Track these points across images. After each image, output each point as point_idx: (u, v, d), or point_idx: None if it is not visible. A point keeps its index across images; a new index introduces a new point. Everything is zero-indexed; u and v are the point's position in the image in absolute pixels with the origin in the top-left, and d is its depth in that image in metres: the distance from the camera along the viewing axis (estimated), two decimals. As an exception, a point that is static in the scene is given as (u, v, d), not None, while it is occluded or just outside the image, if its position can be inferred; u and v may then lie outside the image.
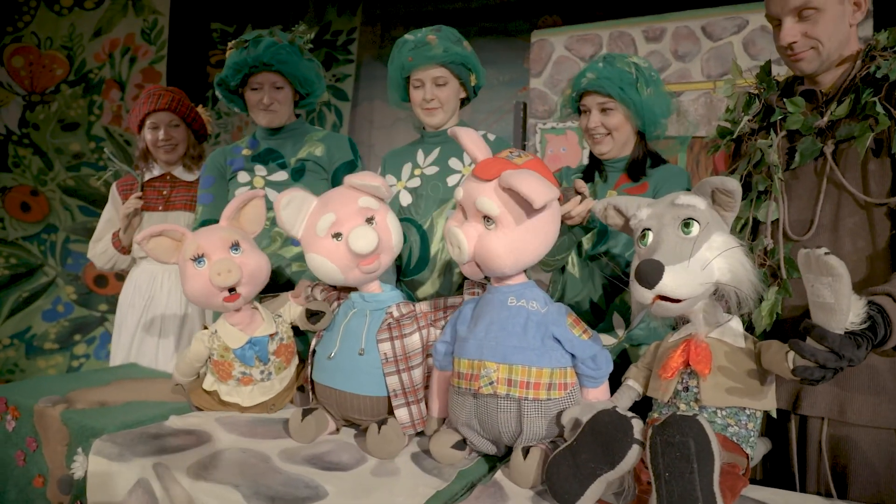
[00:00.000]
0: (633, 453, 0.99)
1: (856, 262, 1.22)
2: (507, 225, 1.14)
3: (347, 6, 4.86)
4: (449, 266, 1.76)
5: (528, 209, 1.14)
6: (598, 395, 1.23)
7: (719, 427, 1.09)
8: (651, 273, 1.02)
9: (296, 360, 1.57)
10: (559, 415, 1.18)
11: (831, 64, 1.28)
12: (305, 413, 1.35)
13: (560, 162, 2.85)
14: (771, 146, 1.34)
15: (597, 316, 1.59)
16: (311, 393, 1.47)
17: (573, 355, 1.20)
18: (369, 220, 1.33)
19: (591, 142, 1.67)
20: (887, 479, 1.19)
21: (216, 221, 1.55)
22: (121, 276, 3.77)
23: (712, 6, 2.64)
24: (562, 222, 1.29)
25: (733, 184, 1.06)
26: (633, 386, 1.24)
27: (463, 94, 1.82)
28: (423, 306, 1.40)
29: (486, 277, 1.42)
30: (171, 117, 2.26)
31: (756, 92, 1.45)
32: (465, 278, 1.76)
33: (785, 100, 1.35)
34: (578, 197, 1.36)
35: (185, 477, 1.14)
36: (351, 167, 1.90)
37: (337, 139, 1.95)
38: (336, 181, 1.89)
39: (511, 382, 1.17)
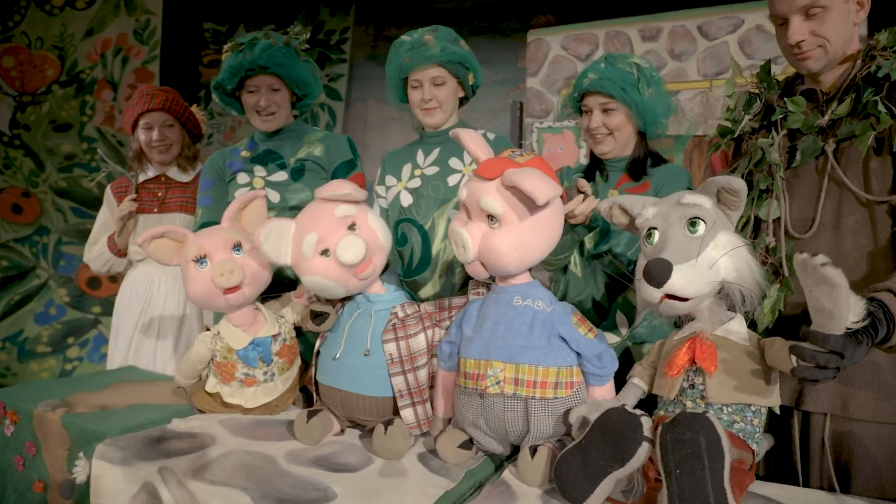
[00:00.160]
0: (643, 451, 0.99)
1: (857, 260, 1.23)
2: (511, 223, 1.14)
3: (340, 6, 4.85)
4: (450, 266, 1.76)
5: (532, 207, 1.14)
6: (604, 394, 1.24)
7: (725, 423, 1.09)
8: (660, 272, 1.02)
9: (298, 361, 1.57)
10: (566, 413, 1.19)
11: (836, 62, 1.29)
12: (311, 414, 1.34)
13: (557, 161, 2.85)
14: (772, 145, 1.35)
15: (599, 315, 1.59)
16: (315, 394, 1.46)
17: (579, 354, 1.21)
18: (351, 228, 1.33)
19: (593, 142, 1.68)
20: (890, 473, 1.20)
21: (216, 224, 1.55)
22: (114, 279, 3.76)
23: (708, 6, 2.65)
24: (564, 221, 1.29)
25: (739, 183, 1.07)
26: (638, 384, 1.25)
27: (461, 94, 1.82)
28: (427, 307, 1.40)
29: (490, 277, 1.43)
30: (165, 117, 2.24)
31: (756, 91, 1.46)
32: (467, 279, 1.77)
33: (786, 99, 1.35)
34: (581, 196, 1.36)
35: (191, 480, 1.14)
36: (350, 167, 1.89)
37: (336, 139, 1.95)
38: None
39: (518, 382, 1.17)
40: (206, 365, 1.49)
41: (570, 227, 1.41)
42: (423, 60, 1.71)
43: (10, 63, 3.70)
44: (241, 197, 1.47)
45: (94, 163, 3.72)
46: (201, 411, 1.52)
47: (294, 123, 1.96)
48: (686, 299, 1.05)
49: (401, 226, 1.82)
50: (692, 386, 1.14)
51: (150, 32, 3.88)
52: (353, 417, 1.38)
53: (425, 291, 1.78)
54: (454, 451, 1.24)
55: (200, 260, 1.39)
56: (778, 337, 1.09)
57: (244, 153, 1.94)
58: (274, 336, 1.47)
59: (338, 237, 1.30)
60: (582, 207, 1.35)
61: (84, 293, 3.80)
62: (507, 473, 1.19)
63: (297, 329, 1.56)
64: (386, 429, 1.26)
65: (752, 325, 1.26)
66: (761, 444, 1.17)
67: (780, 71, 2.00)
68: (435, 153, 1.82)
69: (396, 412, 1.35)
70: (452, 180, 1.77)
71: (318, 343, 1.45)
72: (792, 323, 1.24)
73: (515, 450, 1.28)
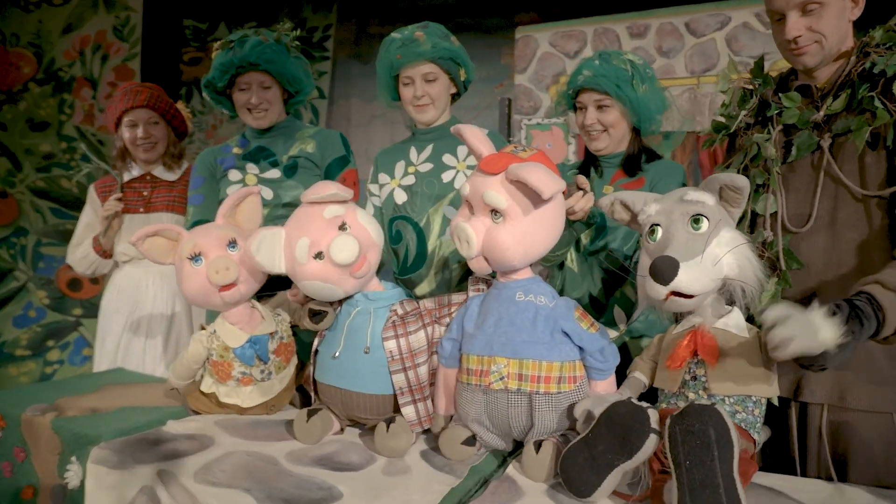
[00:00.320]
0: (651, 443, 1.00)
1: (853, 254, 1.25)
2: (515, 217, 1.14)
3: (322, 3, 4.81)
4: (446, 263, 1.75)
5: (536, 201, 1.14)
6: (606, 388, 1.24)
7: (728, 414, 1.10)
8: (666, 269, 1.03)
9: (295, 360, 1.55)
10: (570, 408, 1.19)
11: (831, 58, 1.31)
12: (311, 414, 1.32)
13: (545, 158, 2.85)
14: (768, 140, 1.36)
15: (597, 310, 1.60)
16: (313, 393, 1.45)
17: (581, 348, 1.21)
18: (342, 228, 1.31)
19: (588, 138, 1.68)
20: (885, 461, 1.23)
21: (209, 222, 1.52)
22: (95, 280, 3.68)
23: (696, 3, 2.68)
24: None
25: (742, 181, 1.08)
26: (639, 378, 1.26)
27: (453, 90, 1.81)
28: (427, 303, 1.39)
29: (490, 274, 1.42)
30: (150, 114, 2.19)
31: (751, 87, 1.48)
32: (464, 275, 1.77)
33: (781, 94, 1.37)
34: (580, 192, 1.36)
35: (192, 483, 1.11)
36: (343, 162, 1.88)
37: (328, 135, 1.93)
38: (329, 177, 1.87)
39: (522, 377, 1.17)
40: (201, 365, 1.47)
41: (568, 223, 1.41)
42: (415, 57, 1.70)
43: (-15, 60, 3.61)
44: (236, 193, 1.45)
45: (74, 163, 3.63)
46: (196, 412, 1.49)
47: (286, 120, 1.94)
48: (691, 296, 1.06)
49: (395, 223, 1.81)
50: (694, 378, 1.15)
51: (129, 29, 3.80)
52: (353, 416, 1.37)
53: (421, 289, 1.77)
54: (457, 447, 1.24)
55: (195, 258, 1.37)
56: None
57: (236, 150, 1.91)
58: (271, 334, 1.45)
59: (330, 238, 1.28)
60: (581, 203, 1.36)
61: (64, 295, 3.71)
62: (511, 469, 1.19)
63: (293, 328, 1.54)
64: (388, 427, 1.25)
65: (749, 318, 1.28)
66: (760, 435, 1.19)
67: (768, 67, 2.02)
68: (428, 150, 1.81)
69: (397, 410, 1.34)
70: (447, 176, 1.77)
71: (316, 342, 1.43)
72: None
73: (518, 445, 1.28)
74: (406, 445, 1.27)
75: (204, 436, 1.34)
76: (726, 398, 1.12)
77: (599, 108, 1.62)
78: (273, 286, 1.56)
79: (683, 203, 1.12)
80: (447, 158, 1.78)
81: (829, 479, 1.25)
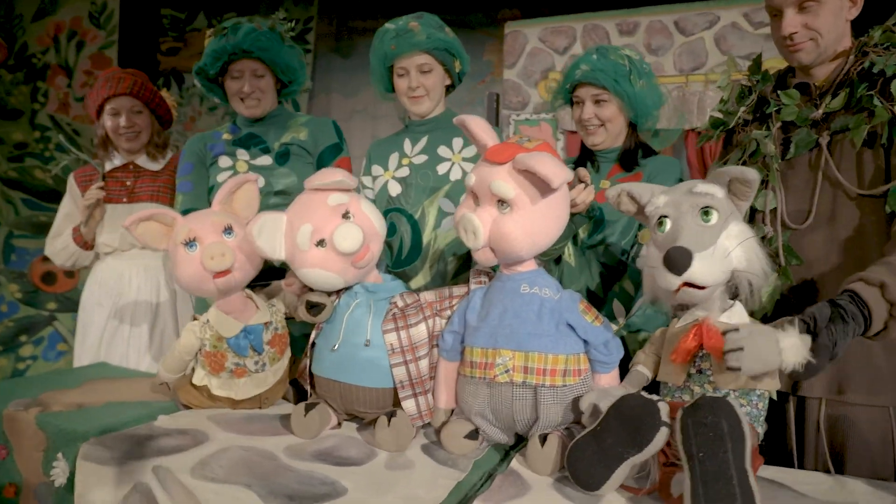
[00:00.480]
0: (662, 435, 0.99)
1: (852, 250, 1.27)
2: (522, 207, 1.13)
3: (303, -4, 4.75)
4: (442, 256, 1.73)
5: (544, 190, 1.13)
6: (610, 381, 1.24)
7: (736, 407, 1.10)
8: (681, 259, 1.02)
9: (289, 353, 1.51)
10: (574, 401, 1.18)
11: (827, 57, 1.32)
12: (308, 408, 1.29)
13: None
14: (767, 137, 1.37)
15: (595, 304, 1.58)
16: (309, 387, 1.42)
17: (586, 341, 1.21)
18: (346, 216, 1.29)
19: (584, 133, 1.68)
20: (882, 454, 1.25)
21: (198, 210, 1.48)
22: (71, 273, 3.57)
23: (685, 2, 2.71)
24: None
25: (752, 174, 1.08)
26: (642, 371, 1.25)
27: (448, 81, 1.79)
28: (427, 296, 1.37)
29: (491, 267, 1.41)
30: (134, 103, 2.12)
31: (749, 84, 1.49)
32: (459, 268, 1.75)
33: (779, 92, 1.38)
34: (581, 184, 1.36)
35: (189, 479, 1.08)
36: (336, 150, 1.84)
37: (321, 123, 1.89)
38: (321, 165, 1.83)
39: (527, 370, 1.16)
40: (193, 356, 1.43)
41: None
42: (409, 48, 1.68)
43: (-48, 45, 3.47)
44: (233, 180, 1.41)
45: (49, 153, 3.51)
46: (187, 407, 1.45)
47: (278, 109, 1.90)
48: (703, 287, 1.06)
49: (389, 216, 1.78)
50: (699, 371, 1.15)
51: (106, 16, 3.69)
52: (351, 410, 1.34)
53: (416, 282, 1.75)
54: (460, 441, 1.22)
55: (190, 243, 1.33)
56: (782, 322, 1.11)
57: (226, 136, 1.87)
58: (266, 324, 1.42)
59: (333, 226, 1.26)
60: (583, 196, 1.35)
61: (38, 289, 3.59)
62: (514, 463, 1.18)
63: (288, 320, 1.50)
64: (389, 421, 1.23)
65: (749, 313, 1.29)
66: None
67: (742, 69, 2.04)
68: (423, 142, 1.79)
69: (396, 403, 1.32)
70: (442, 168, 1.75)
71: (313, 334, 1.40)
72: (788, 311, 1.26)
73: (519, 439, 1.27)
74: (407, 440, 1.25)
75: (197, 430, 1.30)
76: (731, 392, 1.12)
77: (597, 102, 1.62)
78: (267, 276, 1.52)
79: (693, 195, 1.11)
80: (442, 150, 1.76)
81: (827, 472, 1.27)
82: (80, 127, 3.59)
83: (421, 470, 1.15)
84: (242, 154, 1.82)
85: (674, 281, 1.05)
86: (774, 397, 1.21)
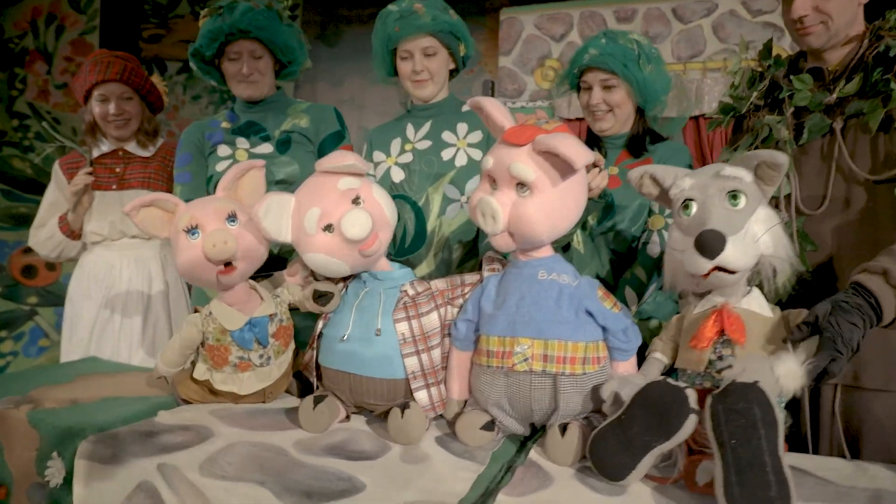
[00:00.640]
0: (691, 423, 0.97)
1: (866, 235, 1.26)
2: (543, 190, 1.10)
3: (289, -17, 4.64)
4: (447, 244, 1.70)
5: (565, 172, 1.10)
6: (628, 368, 1.21)
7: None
8: (714, 243, 1.00)
9: (293, 345, 1.46)
10: (594, 389, 1.15)
11: (838, 41, 1.31)
12: (317, 401, 1.25)
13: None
14: (780, 122, 1.36)
15: (605, 291, 1.57)
16: (315, 379, 1.37)
17: (604, 328, 1.18)
18: (356, 202, 1.25)
19: (592, 119, 1.65)
20: (897, 439, 1.24)
21: None
22: (52, 266, 3.46)
23: (682, -12, 2.69)
24: None
25: (782, 157, 1.05)
26: (660, 358, 1.23)
27: (452, 65, 1.75)
28: (439, 284, 1.33)
29: (502, 254, 1.37)
30: (123, 89, 2.04)
31: (760, 69, 1.47)
32: (465, 256, 1.72)
33: (792, 77, 1.37)
34: (596, 168, 1.33)
35: (198, 476, 1.03)
36: (338, 138, 1.79)
37: (322, 110, 1.84)
38: (323, 153, 1.78)
39: (547, 358, 1.13)
40: (194, 350, 1.37)
41: (581, 201, 1.37)
42: (414, 30, 1.63)
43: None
44: (238, 166, 1.35)
45: (28, 141, 3.38)
46: (187, 402, 1.40)
47: (276, 94, 1.84)
48: (733, 272, 1.04)
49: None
50: (720, 358, 1.12)
51: (87, 0, 3.56)
52: (361, 402, 1.30)
53: (420, 270, 1.71)
54: (476, 433, 1.19)
55: (192, 230, 1.27)
56: (803, 309, 1.10)
57: (224, 124, 1.80)
58: (271, 316, 1.36)
59: (342, 211, 1.21)
60: (597, 181, 1.32)
61: (18, 282, 3.46)
62: (533, 453, 1.15)
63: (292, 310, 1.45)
64: (402, 413, 1.19)
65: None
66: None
67: (752, 55, 2.02)
68: (426, 127, 1.75)
69: (406, 395, 1.28)
70: (447, 154, 1.71)
71: (320, 324, 1.35)
72: (803, 297, 1.25)
73: (534, 430, 1.24)
74: (421, 432, 1.21)
75: (200, 426, 1.25)
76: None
77: (605, 87, 1.59)
78: (268, 266, 1.46)
79: (720, 178, 1.09)
80: (447, 136, 1.72)
81: (842, 457, 1.26)
82: (61, 115, 3.47)
83: (438, 463, 1.11)
84: (242, 142, 1.76)
85: (705, 265, 1.03)
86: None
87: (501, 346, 1.16)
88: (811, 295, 1.16)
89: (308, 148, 1.78)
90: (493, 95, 3.00)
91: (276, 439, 1.20)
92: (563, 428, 1.11)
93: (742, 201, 1.06)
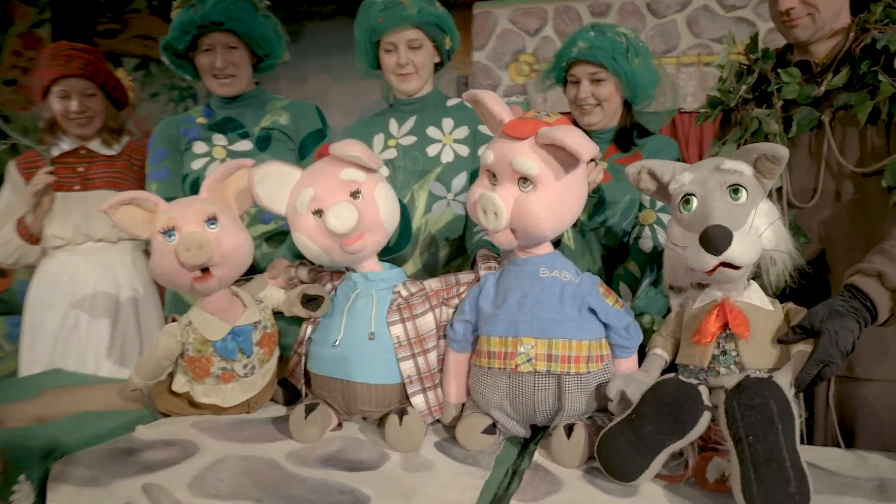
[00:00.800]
0: (705, 420, 0.96)
1: (857, 227, 1.27)
2: (547, 184, 1.06)
3: (254, -22, 4.51)
4: (433, 241, 1.65)
5: (568, 166, 1.07)
6: (630, 366, 1.19)
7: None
8: (721, 238, 0.98)
9: (277, 352, 1.39)
10: (598, 388, 1.13)
11: (824, 34, 1.32)
12: (308, 409, 1.19)
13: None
14: (770, 115, 1.36)
15: (599, 288, 1.55)
16: (303, 387, 1.31)
17: (606, 326, 1.15)
18: (354, 195, 1.20)
19: (579, 112, 1.63)
20: (892, 428, 1.25)
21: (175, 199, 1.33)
22: (3, 273, 3.26)
23: (657, -17, 2.70)
24: None
25: (783, 151, 1.05)
26: (661, 354, 1.21)
27: (437, 59, 1.70)
28: (433, 283, 1.28)
29: (495, 251, 1.34)
30: (87, 85, 1.91)
31: (747, 63, 1.47)
32: (451, 255, 1.67)
33: (779, 70, 1.37)
34: (592, 163, 1.30)
35: (189, 496, 0.96)
36: (319, 136, 1.72)
37: (303, 107, 1.76)
38: (303, 151, 1.71)
39: (551, 358, 1.10)
40: (173, 361, 1.29)
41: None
42: (399, 22, 1.58)
43: None
44: (225, 165, 1.27)
45: (-26, 140, 3.18)
46: (165, 415, 1.31)
47: (255, 90, 1.76)
48: (739, 267, 1.02)
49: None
50: (724, 352, 1.11)
51: (38, -8, 3.38)
52: (354, 409, 1.25)
53: (406, 270, 1.65)
54: (477, 437, 1.15)
55: (168, 232, 1.19)
56: (802, 308, 1.10)
57: (200, 120, 1.71)
58: (255, 324, 1.29)
59: (333, 201, 1.17)
60: (594, 175, 1.30)
61: (-33, 292, 3.27)
62: (537, 456, 1.11)
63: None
64: (401, 419, 1.14)
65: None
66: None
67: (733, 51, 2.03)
68: (410, 122, 1.70)
69: (401, 400, 1.23)
70: (432, 150, 1.66)
71: (308, 329, 1.29)
72: (795, 289, 1.24)
73: (535, 432, 1.21)
74: (421, 439, 1.16)
75: (184, 441, 1.17)
76: (757, 371, 1.09)
77: (594, 81, 1.58)
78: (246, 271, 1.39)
79: (720, 172, 1.07)
80: (432, 131, 1.67)
81: (836, 447, 1.27)
82: (11, 113, 3.28)
83: (442, 470, 1.07)
84: (219, 139, 1.68)
85: (711, 261, 1.01)
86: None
87: (503, 347, 1.12)
88: (803, 287, 1.16)
89: (289, 146, 1.71)
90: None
91: (268, 451, 1.13)
92: (569, 429, 1.08)
93: (743, 195, 1.05)
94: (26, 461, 1.12)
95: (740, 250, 1.00)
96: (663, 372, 1.22)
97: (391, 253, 1.67)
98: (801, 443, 1.25)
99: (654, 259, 1.50)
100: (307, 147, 1.70)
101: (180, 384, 1.29)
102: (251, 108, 1.73)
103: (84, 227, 1.88)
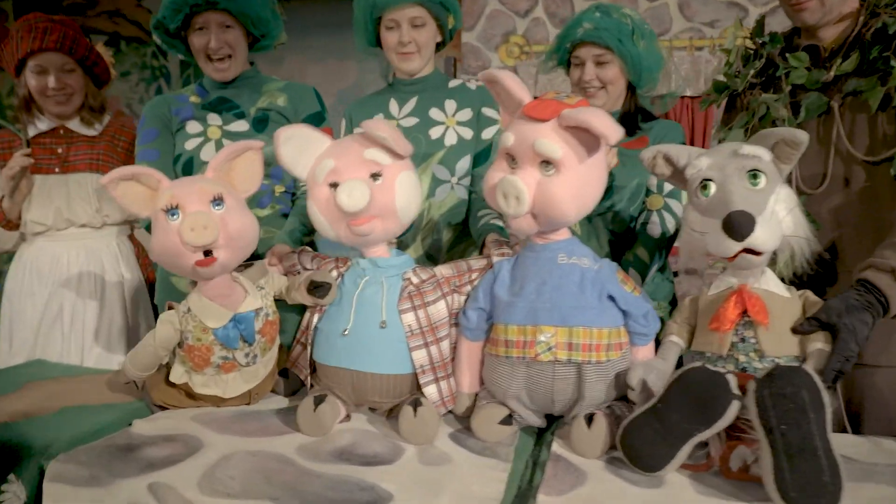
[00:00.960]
0: (734, 409, 0.94)
1: (867, 214, 1.27)
2: (570, 168, 1.03)
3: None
4: (437, 227, 1.60)
5: (591, 149, 1.04)
6: (647, 354, 1.18)
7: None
8: (745, 224, 0.97)
9: (278, 340, 1.34)
10: (617, 376, 1.11)
11: (832, 18, 1.30)
12: (317, 401, 1.14)
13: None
14: (778, 100, 1.34)
15: (606, 274, 1.53)
16: (308, 377, 1.26)
17: (625, 313, 1.13)
18: (375, 176, 1.15)
19: (584, 95, 1.59)
20: (899, 412, 1.27)
21: None
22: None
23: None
24: None
25: (803, 135, 1.03)
26: (677, 342, 1.20)
27: (439, 38, 1.65)
28: (444, 270, 1.24)
29: (506, 237, 1.31)
30: (65, 60, 1.80)
31: (754, 47, 1.45)
32: (455, 239, 1.63)
33: (787, 55, 1.35)
34: (607, 147, 1.27)
35: (199, 496, 0.91)
36: (318, 119, 1.65)
37: (301, 89, 1.69)
38: None
39: (572, 346, 1.08)
40: (170, 351, 1.23)
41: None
42: None
43: None
44: (233, 146, 1.21)
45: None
46: (162, 407, 1.25)
47: (250, 70, 1.68)
48: (761, 253, 1.01)
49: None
50: (742, 340, 1.10)
51: (0, -37, 3.20)
52: (364, 400, 1.21)
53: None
54: (493, 427, 1.12)
55: (171, 210, 1.13)
56: (818, 299, 1.09)
57: (193, 99, 1.62)
58: (257, 311, 1.23)
59: (350, 177, 1.14)
60: (608, 158, 1.27)
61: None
62: (556, 446, 1.09)
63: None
64: (415, 411, 1.11)
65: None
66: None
67: (718, 34, 2.02)
68: (412, 103, 1.64)
69: (413, 390, 1.19)
70: (435, 133, 1.61)
71: (315, 318, 1.24)
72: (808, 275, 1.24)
73: (550, 422, 1.19)
74: (436, 430, 1.13)
75: (186, 435, 1.12)
76: (776, 359, 1.08)
77: (599, 63, 1.54)
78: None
79: (738, 157, 1.05)
80: (434, 113, 1.62)
81: (844, 432, 1.27)
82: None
83: (461, 463, 1.04)
84: (214, 119, 1.60)
85: (733, 247, 1.00)
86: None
87: (522, 336, 1.09)
88: (815, 273, 1.16)
89: (286, 128, 1.63)
90: (455, 73, 2.90)
91: (276, 446, 1.08)
92: (589, 419, 1.06)
93: (762, 181, 1.04)
94: (16, 459, 1.06)
95: (763, 236, 0.99)
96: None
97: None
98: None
99: (663, 244, 1.48)
100: (305, 130, 1.63)
101: (178, 375, 1.23)
102: (247, 89, 1.65)
103: (66, 211, 1.78)
